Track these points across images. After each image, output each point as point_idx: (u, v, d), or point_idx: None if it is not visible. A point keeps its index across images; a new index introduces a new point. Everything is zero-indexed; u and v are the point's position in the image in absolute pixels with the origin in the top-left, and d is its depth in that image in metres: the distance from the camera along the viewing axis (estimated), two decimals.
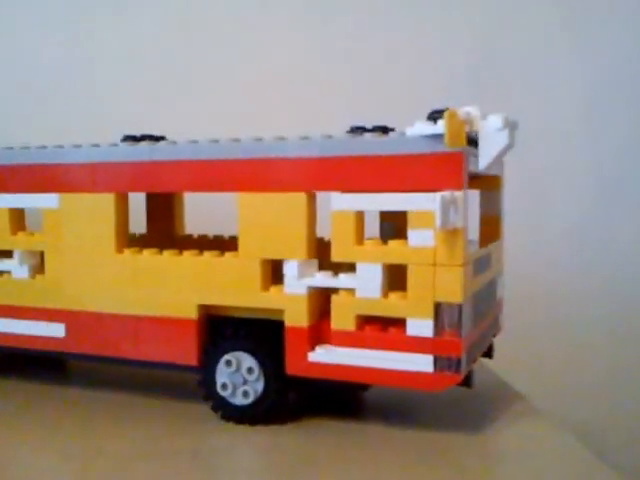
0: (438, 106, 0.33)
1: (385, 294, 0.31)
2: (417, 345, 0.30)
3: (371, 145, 0.31)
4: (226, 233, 0.46)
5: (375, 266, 0.31)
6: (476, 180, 0.37)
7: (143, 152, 0.35)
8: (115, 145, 0.36)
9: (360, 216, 0.32)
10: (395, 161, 0.30)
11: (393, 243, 0.31)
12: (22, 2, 0.70)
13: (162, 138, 0.39)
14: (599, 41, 0.71)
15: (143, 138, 0.38)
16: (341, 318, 0.32)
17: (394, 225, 0.39)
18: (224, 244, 0.44)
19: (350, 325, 0.32)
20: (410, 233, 0.31)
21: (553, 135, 0.71)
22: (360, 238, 0.32)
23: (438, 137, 0.29)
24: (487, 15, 0.71)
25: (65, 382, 0.42)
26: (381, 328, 0.31)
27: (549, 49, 0.71)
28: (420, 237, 0.30)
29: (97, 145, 0.36)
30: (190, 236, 0.48)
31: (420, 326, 0.30)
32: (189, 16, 0.70)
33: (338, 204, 0.32)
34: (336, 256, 0.32)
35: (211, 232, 0.47)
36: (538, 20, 0.71)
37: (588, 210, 0.72)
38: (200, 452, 0.31)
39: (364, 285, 0.31)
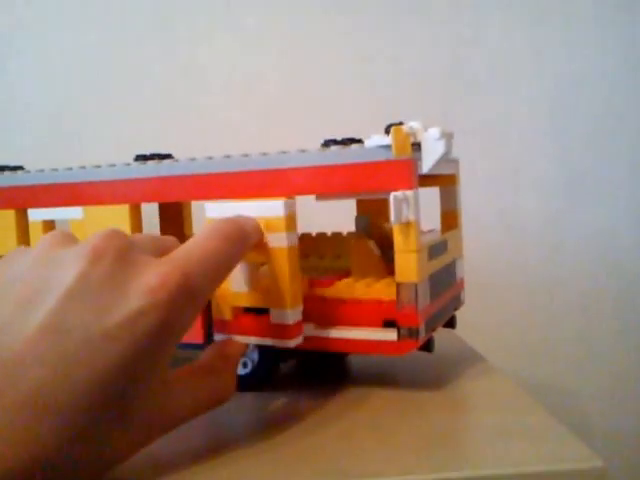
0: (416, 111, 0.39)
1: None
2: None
3: (337, 156, 0.37)
4: None
5: None
6: (435, 179, 0.43)
7: (151, 170, 0.42)
8: (128, 164, 0.43)
9: None
10: (357, 168, 0.37)
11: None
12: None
13: (169, 156, 0.46)
14: (562, 44, 0.77)
15: (152, 157, 0.44)
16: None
17: (368, 218, 0.46)
18: None
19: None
20: None
21: (520, 132, 0.78)
22: None
23: (389, 147, 0.36)
24: (459, 26, 0.77)
25: None
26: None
27: (515, 53, 0.77)
28: None
29: (114, 165, 0.43)
30: None
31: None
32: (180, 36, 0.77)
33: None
34: None
35: None
36: (505, 28, 0.77)
37: (555, 200, 0.78)
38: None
39: None
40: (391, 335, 0.37)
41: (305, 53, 0.76)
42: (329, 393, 0.39)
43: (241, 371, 0.40)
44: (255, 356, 0.40)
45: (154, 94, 0.76)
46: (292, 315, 0.37)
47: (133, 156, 0.45)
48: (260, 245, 0.36)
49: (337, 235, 0.49)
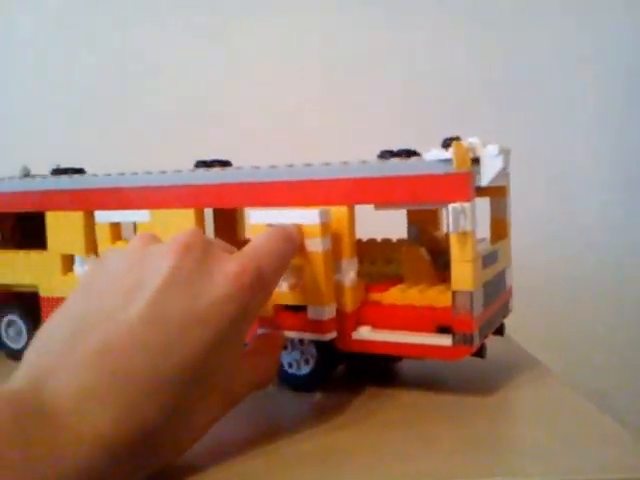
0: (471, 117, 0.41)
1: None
2: None
3: (397, 167, 0.39)
4: None
5: None
6: (486, 190, 0.45)
7: (215, 176, 0.44)
8: (193, 171, 0.45)
9: None
10: (416, 180, 0.39)
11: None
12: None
13: (228, 162, 0.48)
14: (614, 37, 0.78)
15: (213, 163, 0.47)
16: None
17: (419, 226, 0.48)
18: None
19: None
20: None
21: (573, 134, 0.79)
22: None
23: (449, 161, 0.37)
24: (506, 31, 0.78)
25: None
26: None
27: (566, 51, 0.78)
28: None
29: (179, 171, 0.45)
30: (249, 240, 0.57)
31: None
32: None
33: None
34: None
35: None
36: (554, 24, 0.78)
37: (610, 203, 0.79)
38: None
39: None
40: (446, 340, 0.39)
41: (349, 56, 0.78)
42: (378, 395, 0.41)
43: (301, 371, 0.42)
44: (314, 357, 0.41)
45: (212, 99, 0.79)
46: (327, 312, 0.40)
47: (194, 162, 0.47)
48: (302, 249, 0.40)
49: (387, 241, 0.50)
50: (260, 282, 0.32)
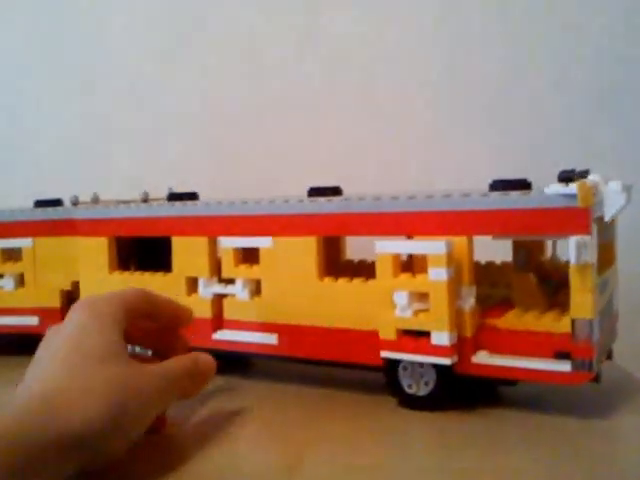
0: None
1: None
2: None
3: (518, 201, 0.41)
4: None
5: None
6: None
7: (336, 206, 0.47)
8: (314, 200, 0.48)
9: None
10: (538, 213, 0.41)
11: None
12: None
13: (338, 189, 0.51)
14: None
15: (324, 191, 0.49)
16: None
17: (527, 252, 0.49)
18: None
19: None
20: None
21: None
22: None
23: (572, 196, 0.39)
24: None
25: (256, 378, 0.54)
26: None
27: None
28: None
29: (302, 200, 0.48)
30: (351, 261, 0.59)
31: None
32: None
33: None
34: None
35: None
36: None
37: None
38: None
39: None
40: (564, 366, 0.40)
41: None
42: (491, 415, 0.43)
43: (420, 392, 0.44)
44: (434, 380, 0.44)
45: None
46: (451, 337, 0.43)
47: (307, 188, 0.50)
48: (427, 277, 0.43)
49: (491, 264, 0.52)
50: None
